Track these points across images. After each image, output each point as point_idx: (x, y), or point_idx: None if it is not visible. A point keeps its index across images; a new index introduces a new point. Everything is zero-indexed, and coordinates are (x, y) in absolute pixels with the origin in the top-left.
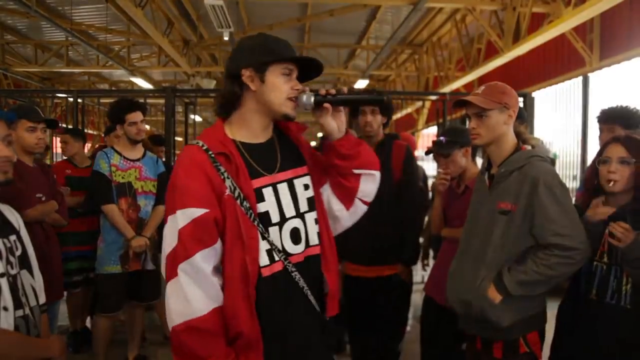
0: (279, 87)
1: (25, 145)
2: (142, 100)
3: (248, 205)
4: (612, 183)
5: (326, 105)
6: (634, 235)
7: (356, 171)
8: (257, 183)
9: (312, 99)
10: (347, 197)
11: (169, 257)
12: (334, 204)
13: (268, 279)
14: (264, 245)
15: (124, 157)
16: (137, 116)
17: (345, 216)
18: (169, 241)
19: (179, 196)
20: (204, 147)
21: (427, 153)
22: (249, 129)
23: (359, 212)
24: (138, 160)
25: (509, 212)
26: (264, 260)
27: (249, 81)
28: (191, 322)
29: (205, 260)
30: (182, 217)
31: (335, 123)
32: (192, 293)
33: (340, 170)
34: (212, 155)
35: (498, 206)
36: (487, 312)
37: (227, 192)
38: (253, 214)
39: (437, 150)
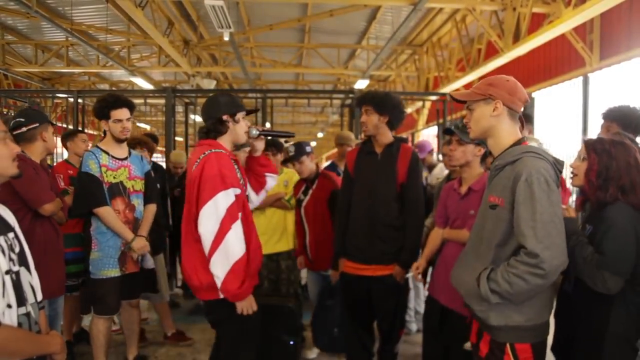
0: (243, 125)
1: (53, 146)
2: (142, 101)
3: (246, 188)
4: (574, 176)
5: (261, 136)
6: (572, 214)
7: (266, 174)
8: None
9: (256, 132)
10: (259, 187)
11: (228, 216)
12: (249, 191)
13: None
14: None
15: (112, 156)
16: (122, 113)
17: (254, 198)
18: (225, 205)
19: (229, 179)
20: (227, 153)
21: (445, 132)
22: (228, 147)
23: (262, 198)
24: (125, 159)
25: (496, 206)
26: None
27: (228, 122)
28: (242, 258)
29: (239, 220)
30: (233, 192)
31: (259, 145)
32: (241, 239)
33: (257, 172)
34: (232, 159)
35: (489, 200)
36: (474, 307)
37: (240, 181)
38: (247, 194)
39: (459, 133)
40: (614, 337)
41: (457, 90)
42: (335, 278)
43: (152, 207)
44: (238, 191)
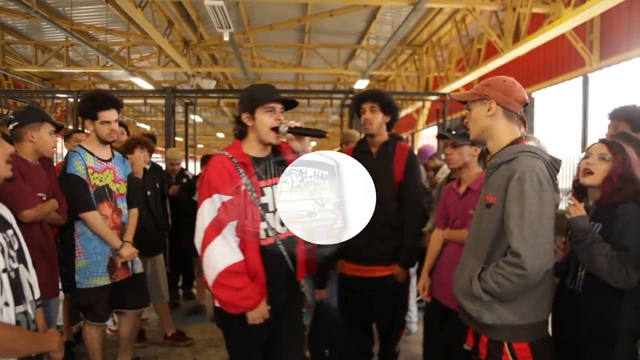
0: (264, 122)
1: (45, 147)
2: (142, 101)
3: (256, 196)
4: (587, 174)
5: (289, 134)
6: (582, 212)
7: None
8: (261, 183)
9: (286, 129)
10: None
11: (212, 224)
12: None
13: (264, 248)
14: (263, 225)
15: (98, 158)
16: (110, 115)
17: None
18: (209, 213)
19: (215, 185)
20: (230, 156)
21: (440, 137)
22: (253, 148)
23: None
24: (110, 160)
25: (491, 205)
26: (262, 234)
27: (246, 121)
28: (232, 266)
29: (232, 228)
30: (219, 199)
31: (300, 145)
32: (233, 246)
33: None
34: (236, 162)
35: (485, 199)
36: (464, 304)
37: (243, 187)
38: (258, 203)
39: (451, 137)
40: (623, 331)
41: (456, 90)
42: (319, 297)
43: (135, 212)
44: (226, 198)
